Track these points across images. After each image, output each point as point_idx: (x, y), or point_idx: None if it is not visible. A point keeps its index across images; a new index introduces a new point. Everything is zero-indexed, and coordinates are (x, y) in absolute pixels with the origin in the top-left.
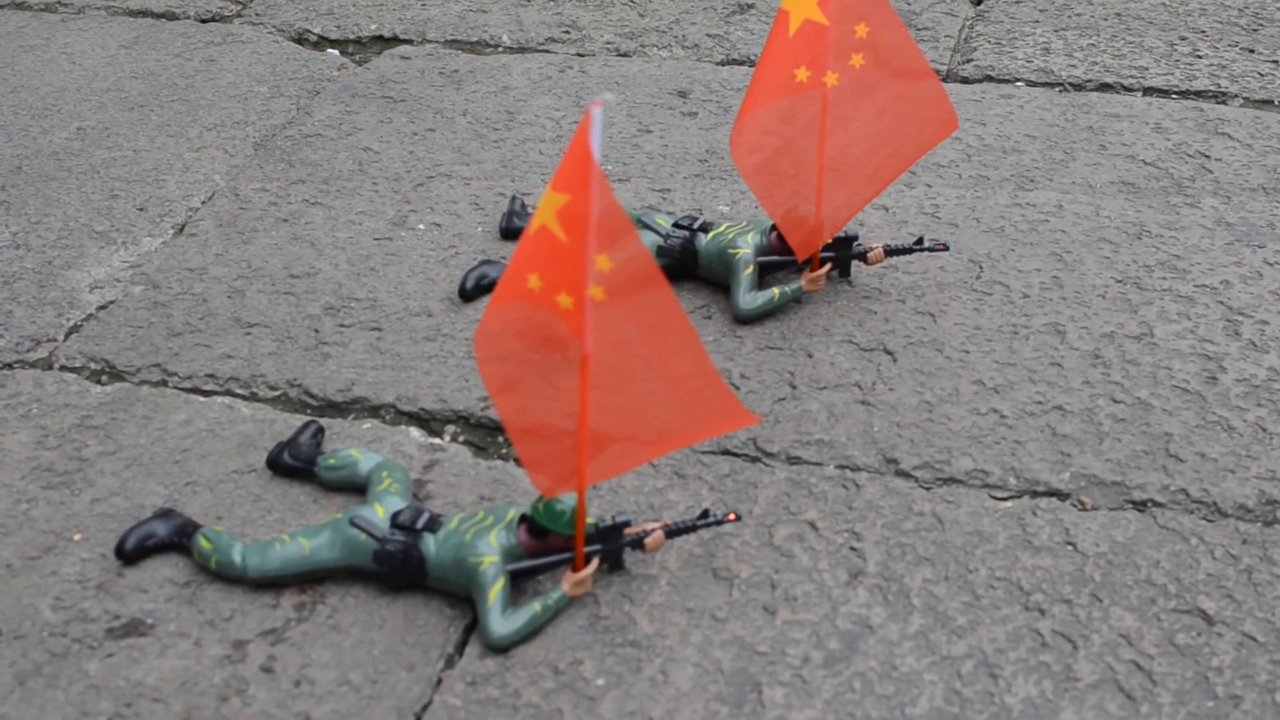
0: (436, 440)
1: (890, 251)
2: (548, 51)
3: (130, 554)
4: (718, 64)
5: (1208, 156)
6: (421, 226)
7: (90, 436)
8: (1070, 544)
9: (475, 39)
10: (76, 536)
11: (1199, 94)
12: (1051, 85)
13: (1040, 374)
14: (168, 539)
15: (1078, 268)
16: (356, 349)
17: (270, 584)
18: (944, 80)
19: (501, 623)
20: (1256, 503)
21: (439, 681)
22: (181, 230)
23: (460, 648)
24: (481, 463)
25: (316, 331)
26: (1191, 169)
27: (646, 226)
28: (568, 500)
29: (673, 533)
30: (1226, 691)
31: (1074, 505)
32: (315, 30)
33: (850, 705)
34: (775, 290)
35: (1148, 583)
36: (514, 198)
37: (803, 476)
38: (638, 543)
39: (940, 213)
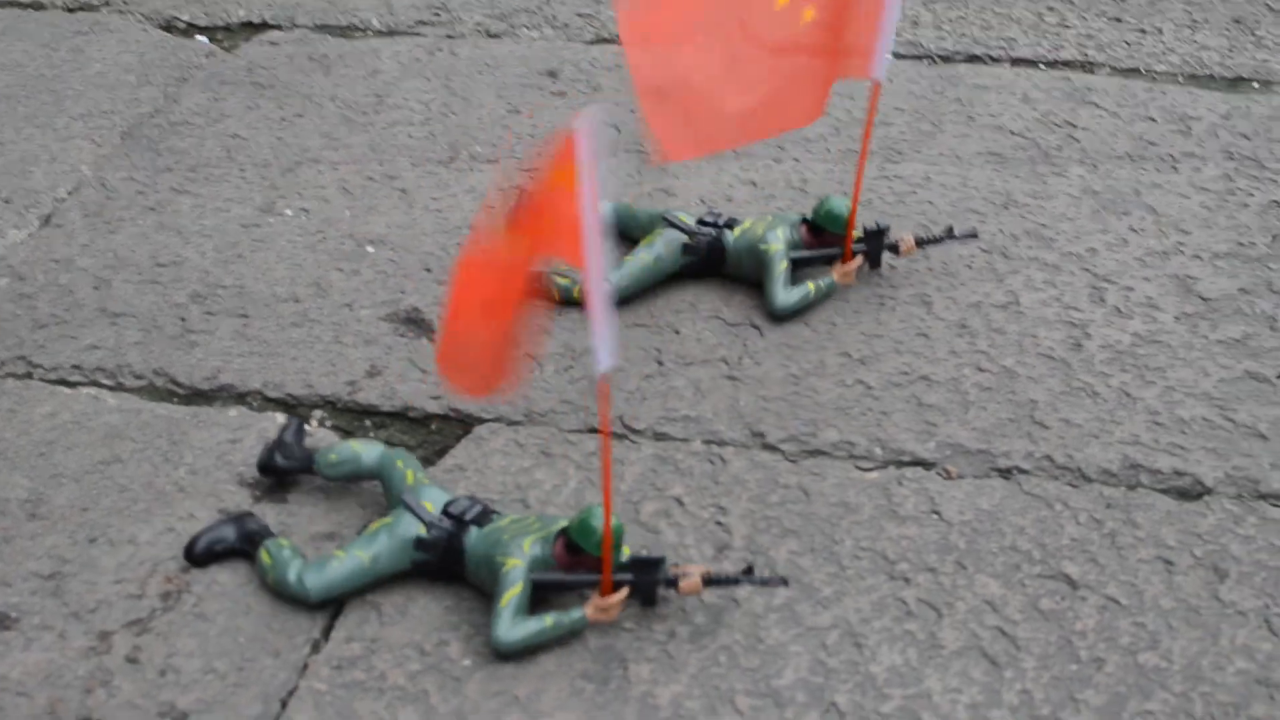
0: (304, 426)
1: (921, 242)
2: (417, 34)
3: (199, 557)
4: (588, 43)
5: (1074, 126)
6: (289, 212)
7: None
8: (935, 513)
9: (345, 23)
10: None
11: (1066, 64)
12: (920, 58)
13: (906, 345)
14: (235, 544)
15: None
16: (223, 336)
17: (335, 601)
18: None
19: (509, 628)
20: (1120, 467)
21: (305, 667)
22: (47, 221)
23: (326, 632)
24: None
25: (183, 320)
26: (1058, 138)
27: (672, 224)
28: (601, 522)
29: (711, 581)
30: (1090, 654)
31: (939, 474)
32: (184, 17)
33: (716, 678)
34: (810, 285)
35: (1012, 549)
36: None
37: (669, 453)
38: (672, 582)
39: (809, 186)
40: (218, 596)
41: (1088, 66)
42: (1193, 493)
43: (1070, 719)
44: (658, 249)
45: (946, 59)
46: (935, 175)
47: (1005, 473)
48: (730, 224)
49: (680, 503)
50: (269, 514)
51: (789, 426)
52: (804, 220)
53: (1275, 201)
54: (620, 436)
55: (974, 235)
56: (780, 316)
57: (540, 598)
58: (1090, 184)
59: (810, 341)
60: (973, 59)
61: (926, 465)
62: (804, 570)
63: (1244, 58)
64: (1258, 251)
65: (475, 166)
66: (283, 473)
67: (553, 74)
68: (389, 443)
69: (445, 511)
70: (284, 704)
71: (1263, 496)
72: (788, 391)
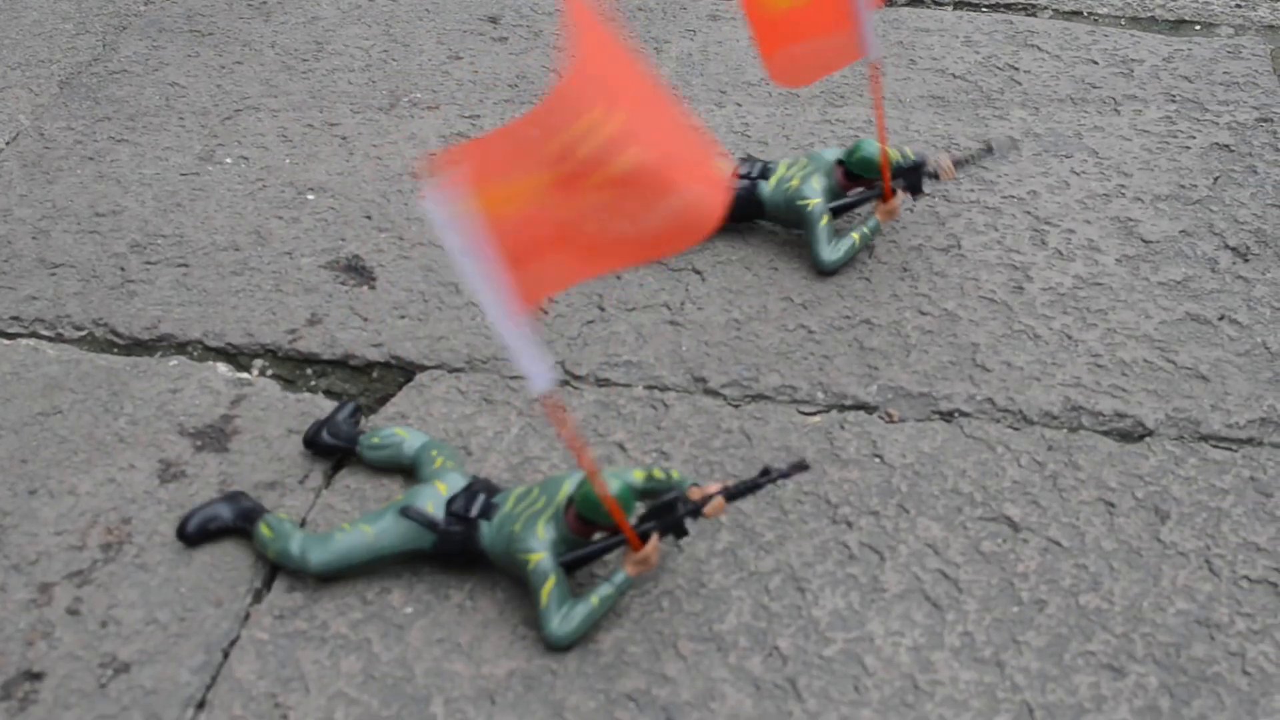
0: (244, 375)
1: (960, 163)
2: None
3: (192, 536)
4: None
5: (1016, 69)
6: (229, 160)
7: None
8: (878, 456)
9: None
10: None
11: (1008, 6)
12: None
13: (848, 289)
14: (230, 523)
15: None
16: (163, 286)
17: (336, 575)
18: None
19: (559, 623)
20: (1061, 409)
21: (247, 616)
22: None
23: (268, 582)
24: (290, 395)
25: (123, 270)
26: (1000, 81)
27: None
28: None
29: (733, 495)
30: (1031, 596)
31: (881, 418)
32: None
33: (659, 624)
34: (855, 235)
35: (954, 492)
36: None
37: (611, 398)
38: (696, 511)
39: (750, 131)
40: (159, 547)
41: (1030, 9)
42: (1134, 434)
43: (1012, 661)
44: None
45: (889, 2)
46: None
47: (947, 416)
48: (765, 173)
49: (623, 448)
50: (210, 463)
51: (731, 371)
52: (839, 162)
53: (1217, 144)
54: (562, 383)
55: (1015, 147)
56: (828, 272)
57: (573, 569)
58: (1032, 127)
59: (752, 286)
60: (915, 2)
61: (868, 409)
62: (746, 515)
63: (1185, 0)
64: (1199, 194)
65: (415, 113)
66: (327, 450)
67: (493, 19)
68: (329, 391)
69: (450, 511)
70: (226, 654)
71: (1204, 438)
72: (730, 336)
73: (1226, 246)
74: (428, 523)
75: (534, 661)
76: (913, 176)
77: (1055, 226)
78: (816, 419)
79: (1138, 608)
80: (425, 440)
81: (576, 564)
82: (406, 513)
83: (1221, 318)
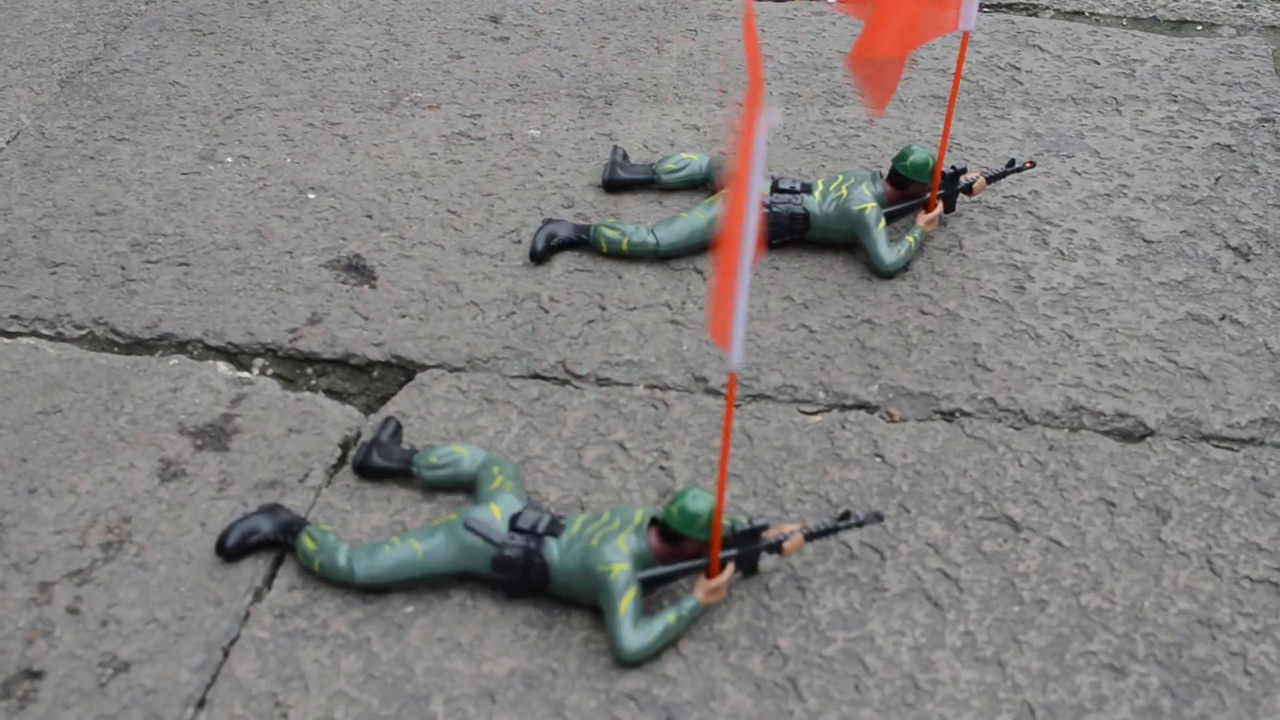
0: (245, 374)
1: (991, 178)
2: None
3: (231, 551)
4: None
5: (1018, 69)
6: (230, 159)
7: None
8: (879, 456)
9: None
10: None
11: (1010, 6)
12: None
13: (849, 288)
14: (271, 536)
15: None
16: (164, 285)
17: (381, 589)
18: None
19: (634, 635)
20: (1063, 409)
21: (247, 615)
22: None
23: (269, 581)
24: (290, 394)
25: (123, 269)
26: (1002, 81)
27: None
28: (702, 503)
29: (812, 536)
30: (1033, 596)
31: (882, 417)
32: None
33: None
34: (910, 238)
35: (955, 491)
36: (615, 148)
37: (612, 397)
38: (776, 546)
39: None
40: (159, 546)
41: (1031, 9)
42: (1135, 434)
43: (1013, 660)
44: (718, 213)
45: None
46: (879, 119)
47: (948, 415)
48: (808, 188)
49: (623, 447)
50: (210, 462)
51: None
52: (888, 175)
53: (1218, 144)
54: (562, 382)
55: (1033, 165)
56: (889, 275)
57: (645, 594)
58: (1033, 126)
59: (753, 286)
60: None
61: (869, 408)
62: (746, 514)
63: (1187, 0)
64: (1200, 194)
65: (416, 112)
66: (381, 473)
67: (495, 19)
68: (329, 390)
69: (514, 528)
70: (226, 653)
71: (1205, 438)
72: None
73: (1228, 246)
74: (489, 537)
75: (534, 660)
76: (950, 187)
77: (1057, 226)
78: (817, 418)
79: (1139, 608)
80: (485, 457)
81: (653, 583)
82: (469, 525)
83: (1223, 318)
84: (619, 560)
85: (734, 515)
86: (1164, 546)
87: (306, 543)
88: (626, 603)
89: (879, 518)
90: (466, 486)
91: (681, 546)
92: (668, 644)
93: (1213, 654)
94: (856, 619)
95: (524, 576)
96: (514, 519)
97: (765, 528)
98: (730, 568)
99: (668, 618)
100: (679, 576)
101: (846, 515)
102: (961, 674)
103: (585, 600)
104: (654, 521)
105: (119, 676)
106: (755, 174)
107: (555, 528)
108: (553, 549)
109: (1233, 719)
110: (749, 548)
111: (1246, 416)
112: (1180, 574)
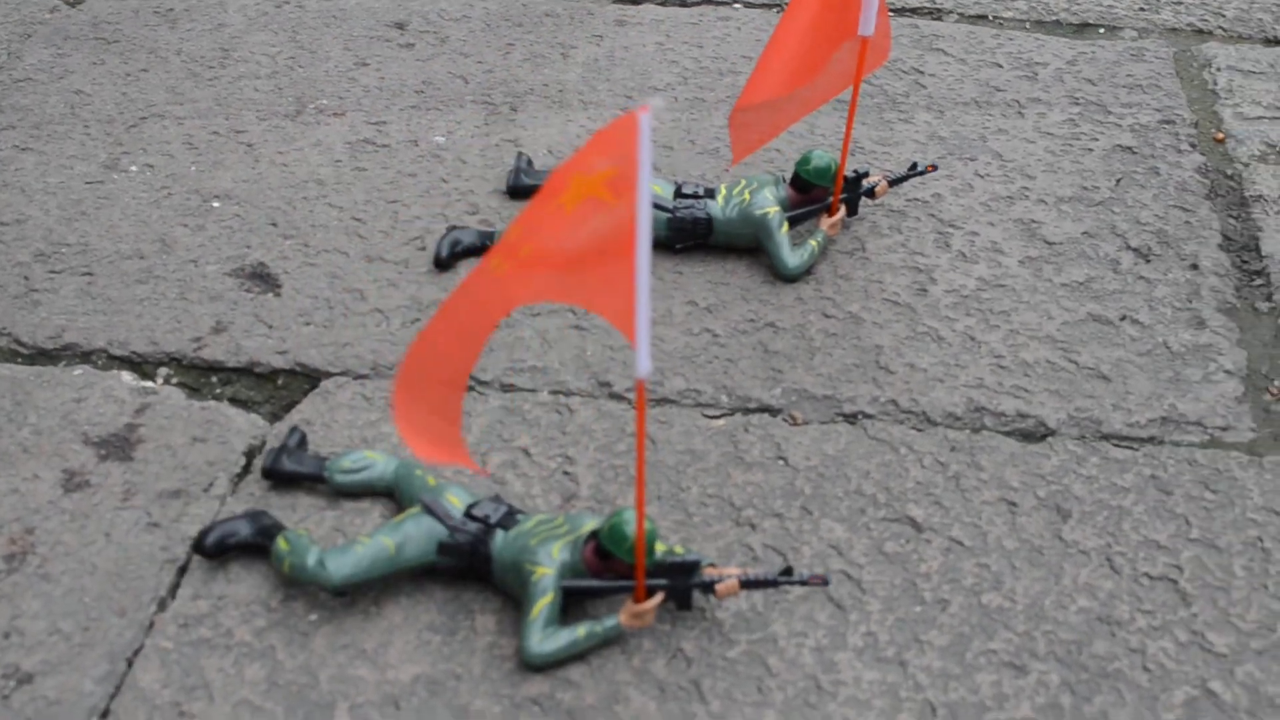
0: (149, 383)
1: (893, 182)
2: None
3: (210, 550)
4: None
5: (921, 73)
6: (134, 168)
7: None
8: (782, 459)
9: None
10: None
11: (914, 11)
12: (769, 6)
13: (753, 292)
14: (249, 539)
15: None
16: (67, 295)
17: (355, 588)
18: (662, 3)
19: (540, 640)
20: (965, 410)
21: (151, 625)
22: None
23: (173, 590)
24: (194, 404)
25: (26, 279)
26: (906, 85)
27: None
28: (631, 528)
29: (748, 584)
30: (934, 596)
31: (785, 420)
32: None
33: None
34: (813, 242)
35: (858, 493)
36: (520, 154)
37: (516, 403)
38: (709, 586)
39: (656, 135)
40: (62, 557)
41: (935, 13)
42: (1036, 434)
43: (915, 660)
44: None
45: None
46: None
47: (850, 418)
48: (711, 192)
49: (527, 453)
50: (114, 472)
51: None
52: (791, 180)
53: (1119, 146)
54: (467, 389)
55: (935, 168)
56: (792, 278)
57: (572, 602)
58: (937, 130)
59: (657, 290)
60: None
61: (773, 412)
62: (649, 519)
63: (1090, 3)
64: (1101, 195)
65: (321, 120)
66: (291, 478)
67: (400, 26)
68: (234, 399)
69: (469, 514)
70: (130, 663)
71: (1105, 437)
72: None
73: (1128, 247)
74: (444, 520)
75: (439, 666)
76: (853, 191)
77: (959, 229)
78: (721, 422)
79: (1039, 606)
80: (399, 462)
81: (577, 594)
82: (427, 505)
83: (1123, 318)
84: (546, 564)
85: (673, 545)
86: (1064, 545)
87: (280, 545)
88: (541, 606)
89: (824, 581)
90: (379, 491)
91: (613, 564)
92: (575, 656)
93: (1112, 651)
94: (759, 621)
95: (470, 563)
96: (471, 507)
97: (700, 564)
98: (659, 596)
99: (578, 631)
100: (605, 593)
101: (789, 570)
102: (864, 674)
103: (516, 596)
104: (593, 535)
105: (22, 688)
106: (644, 174)
107: (509, 521)
108: (498, 540)
109: (1132, 715)
110: (680, 582)
111: (1146, 415)
112: (1080, 572)
